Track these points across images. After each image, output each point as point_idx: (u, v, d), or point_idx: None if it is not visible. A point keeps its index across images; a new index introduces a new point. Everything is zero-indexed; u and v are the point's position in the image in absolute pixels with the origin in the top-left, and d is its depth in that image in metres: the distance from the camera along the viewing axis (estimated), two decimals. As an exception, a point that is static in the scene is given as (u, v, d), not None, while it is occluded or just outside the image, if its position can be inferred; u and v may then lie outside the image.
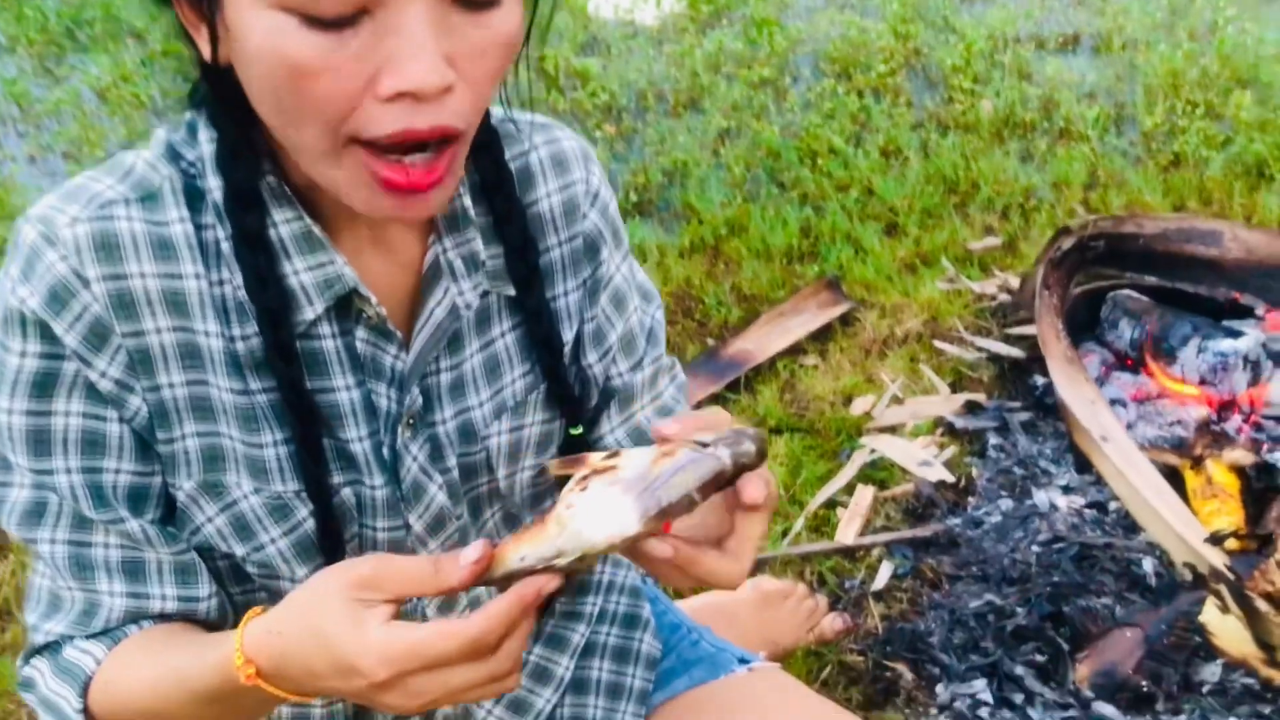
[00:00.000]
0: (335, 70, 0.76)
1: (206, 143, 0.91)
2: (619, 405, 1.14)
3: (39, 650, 1.00)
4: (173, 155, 0.93)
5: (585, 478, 0.81)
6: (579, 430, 1.09)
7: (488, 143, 1.00)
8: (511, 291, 1.04)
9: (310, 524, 0.96)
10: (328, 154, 0.81)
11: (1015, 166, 3.42)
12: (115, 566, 0.95)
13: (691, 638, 1.38)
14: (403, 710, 0.81)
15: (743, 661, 1.33)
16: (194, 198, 0.92)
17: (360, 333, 0.96)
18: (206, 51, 0.82)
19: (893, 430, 2.45)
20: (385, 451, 0.98)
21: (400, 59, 0.76)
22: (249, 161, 0.90)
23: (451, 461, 1.03)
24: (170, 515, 0.96)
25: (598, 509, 0.78)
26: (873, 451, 2.36)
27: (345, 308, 0.95)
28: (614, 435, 1.14)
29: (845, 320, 2.80)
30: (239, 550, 0.96)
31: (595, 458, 0.84)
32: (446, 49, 0.77)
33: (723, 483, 0.81)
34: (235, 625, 0.88)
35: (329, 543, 0.98)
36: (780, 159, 3.52)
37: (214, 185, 0.91)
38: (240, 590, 1.01)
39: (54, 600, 0.98)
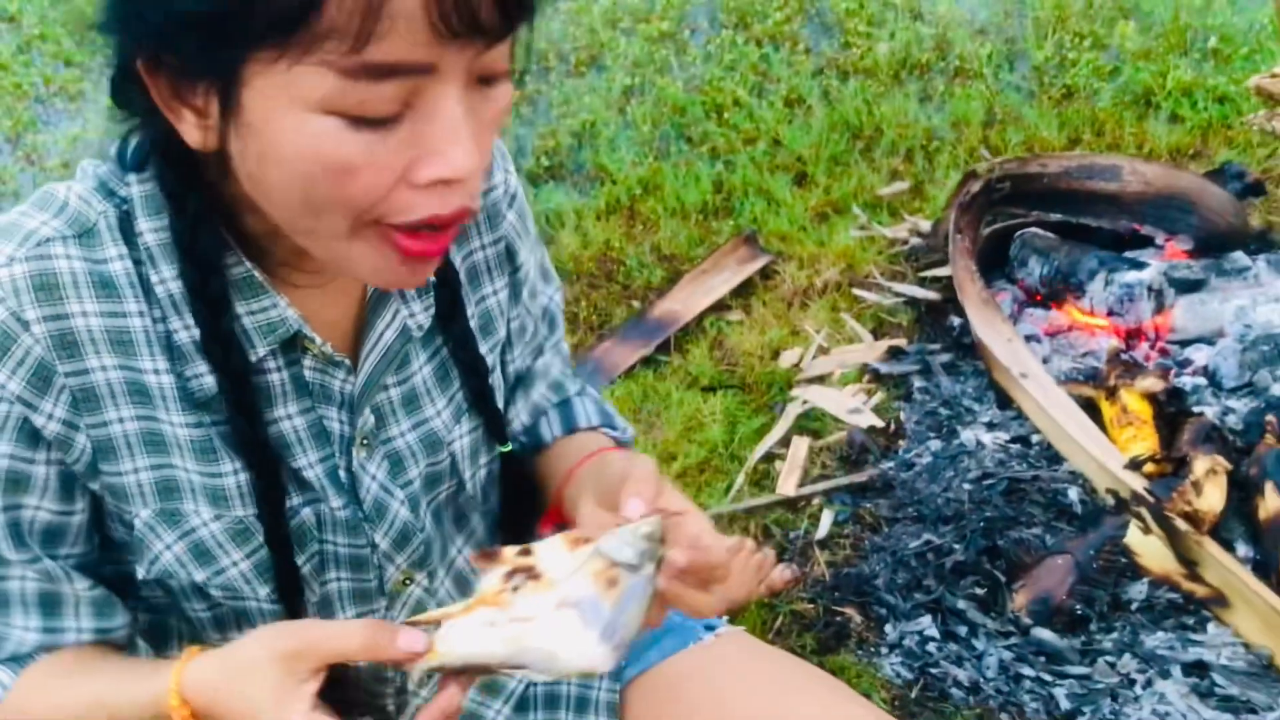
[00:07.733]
0: (377, 165, 0.75)
1: (136, 184, 0.89)
2: (521, 389, 1.16)
3: None
4: (105, 190, 0.90)
5: (512, 574, 0.85)
6: (508, 447, 1.10)
7: None
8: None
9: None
10: (342, 236, 0.80)
11: (915, 108, 3.50)
12: (31, 601, 0.94)
13: (657, 610, 1.43)
14: None
15: (708, 628, 1.38)
16: (129, 235, 0.90)
17: (307, 362, 0.96)
18: (194, 138, 0.79)
19: (821, 380, 2.52)
20: (342, 474, 0.99)
21: (440, 148, 0.75)
22: (208, 241, 0.88)
23: (414, 473, 1.03)
24: (93, 552, 0.96)
25: (565, 638, 0.83)
26: (805, 403, 2.43)
27: (290, 343, 0.94)
28: (519, 419, 1.16)
29: (765, 274, 2.85)
30: (199, 576, 0.95)
31: (509, 552, 0.88)
32: (474, 130, 0.77)
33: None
34: (182, 646, 0.90)
35: (282, 565, 0.98)
36: (686, 114, 3.55)
37: (146, 228, 0.89)
38: (205, 607, 1.00)
39: None
